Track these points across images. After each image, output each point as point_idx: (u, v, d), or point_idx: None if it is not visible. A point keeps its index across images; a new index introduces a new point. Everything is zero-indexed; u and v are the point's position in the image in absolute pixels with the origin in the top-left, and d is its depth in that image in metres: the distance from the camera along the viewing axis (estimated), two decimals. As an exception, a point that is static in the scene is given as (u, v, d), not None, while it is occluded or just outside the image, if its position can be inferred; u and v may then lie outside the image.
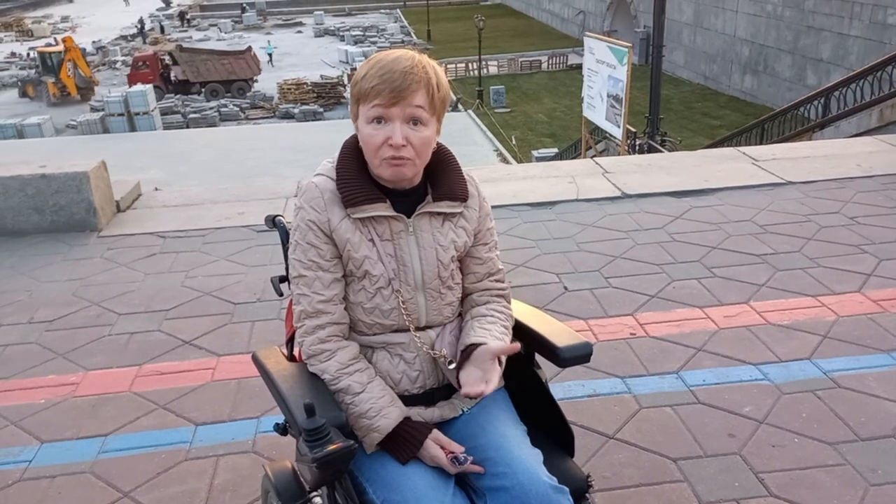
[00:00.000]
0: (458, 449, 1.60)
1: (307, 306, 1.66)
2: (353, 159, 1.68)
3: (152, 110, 32.05)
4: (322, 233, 1.65)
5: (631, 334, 3.35)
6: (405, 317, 1.68)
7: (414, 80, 1.57)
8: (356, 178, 1.65)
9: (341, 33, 55.07)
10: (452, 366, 1.69)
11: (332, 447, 1.40)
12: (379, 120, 1.59)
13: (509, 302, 1.84)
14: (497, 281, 1.82)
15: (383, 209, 1.64)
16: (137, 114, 31.51)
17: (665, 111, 20.28)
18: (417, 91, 1.58)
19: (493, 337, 1.69)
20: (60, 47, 39.30)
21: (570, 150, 21.55)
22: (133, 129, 31.15)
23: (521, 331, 1.84)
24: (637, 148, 16.37)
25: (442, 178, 1.72)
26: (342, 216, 1.64)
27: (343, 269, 1.68)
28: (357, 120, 1.65)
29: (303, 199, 1.67)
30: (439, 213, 1.70)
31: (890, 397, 2.82)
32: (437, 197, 1.70)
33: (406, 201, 1.68)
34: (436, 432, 1.64)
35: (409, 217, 1.68)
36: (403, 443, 1.61)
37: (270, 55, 45.60)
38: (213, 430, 2.82)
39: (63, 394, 3.09)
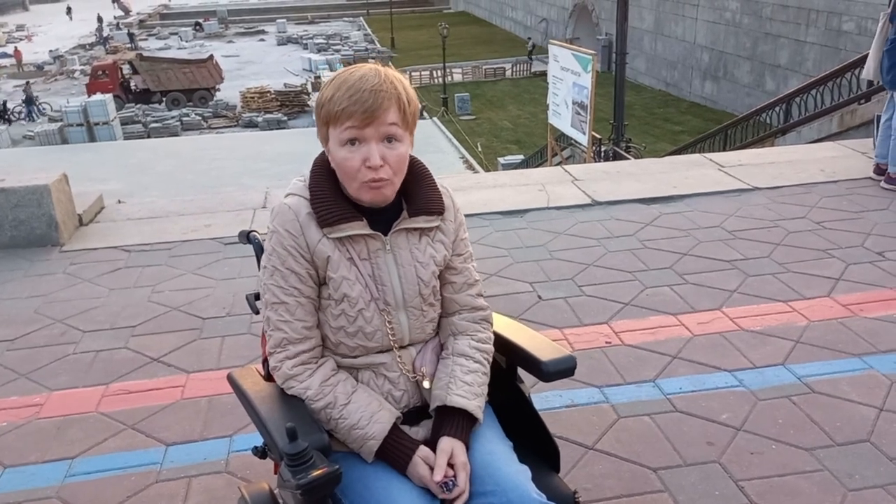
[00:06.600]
0: (449, 472, 1.56)
1: (291, 333, 1.62)
2: (325, 177, 1.64)
3: (112, 120, 31.45)
4: (302, 257, 1.60)
5: (606, 343, 3.35)
6: (390, 337, 1.64)
7: (385, 97, 1.53)
8: (330, 196, 1.61)
9: (304, 41, 54.76)
10: (428, 384, 1.66)
11: (316, 472, 1.36)
12: (353, 142, 1.55)
13: (491, 324, 1.81)
14: (477, 296, 1.78)
15: (360, 227, 1.60)
16: (97, 124, 30.82)
17: (628, 117, 20.47)
18: (389, 108, 1.54)
19: (474, 395, 1.65)
20: None
21: (536, 157, 21.69)
22: (93, 139, 30.45)
23: (503, 344, 1.82)
24: (602, 154, 16.50)
25: (417, 193, 1.68)
26: (320, 236, 1.59)
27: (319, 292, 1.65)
28: (327, 143, 1.61)
29: (276, 222, 1.62)
30: (416, 229, 1.67)
31: (863, 401, 2.85)
32: (412, 212, 1.66)
33: (382, 218, 1.64)
34: (424, 450, 1.60)
35: (385, 234, 1.64)
36: (395, 454, 1.58)
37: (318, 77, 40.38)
38: (184, 451, 2.74)
39: (26, 416, 2.98)
